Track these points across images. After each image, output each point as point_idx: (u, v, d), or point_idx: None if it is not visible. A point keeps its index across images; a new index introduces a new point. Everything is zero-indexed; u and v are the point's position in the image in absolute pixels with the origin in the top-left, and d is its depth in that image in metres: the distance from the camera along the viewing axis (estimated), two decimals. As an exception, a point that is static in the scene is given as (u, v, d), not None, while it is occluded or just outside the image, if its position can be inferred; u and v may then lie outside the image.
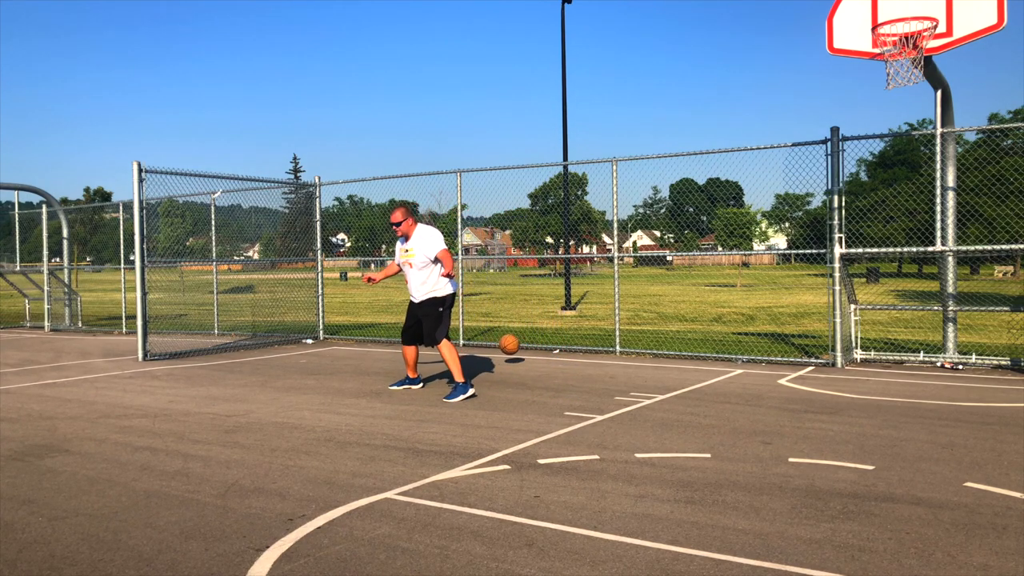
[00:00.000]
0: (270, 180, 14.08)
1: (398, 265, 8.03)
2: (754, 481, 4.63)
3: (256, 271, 23.72)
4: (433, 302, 7.74)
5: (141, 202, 11.07)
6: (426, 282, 7.74)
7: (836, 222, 9.40)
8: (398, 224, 7.80)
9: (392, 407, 7.19)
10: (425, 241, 7.72)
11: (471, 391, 7.58)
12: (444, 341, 7.70)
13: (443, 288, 7.78)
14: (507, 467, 5.03)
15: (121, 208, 17.02)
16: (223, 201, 14.76)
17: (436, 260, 7.68)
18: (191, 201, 15.98)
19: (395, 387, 8.20)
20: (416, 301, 7.84)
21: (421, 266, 7.72)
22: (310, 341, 13.55)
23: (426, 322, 7.73)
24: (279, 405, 7.39)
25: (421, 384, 8.24)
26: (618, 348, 11.21)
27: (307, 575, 3.34)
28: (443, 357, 7.68)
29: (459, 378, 7.59)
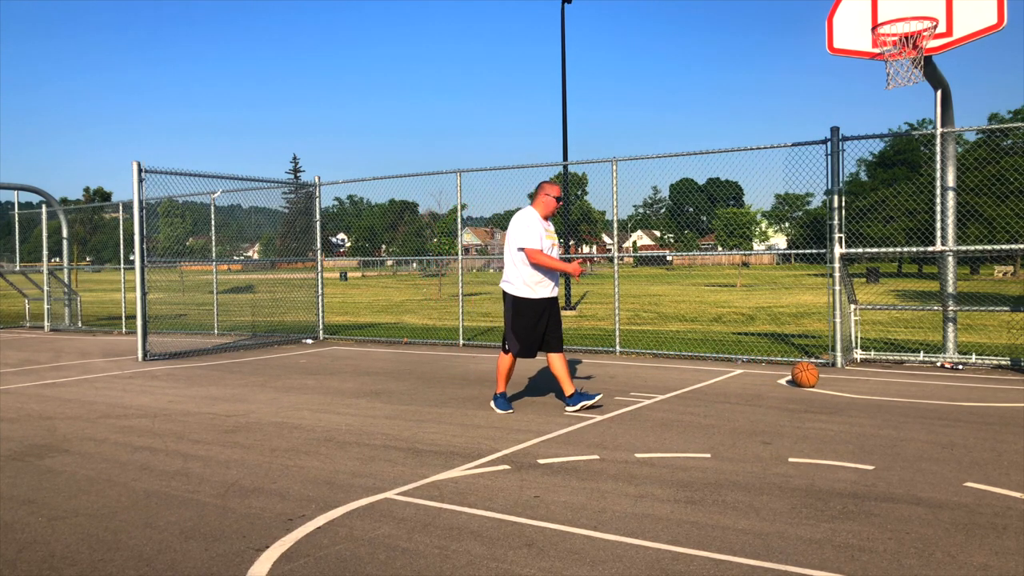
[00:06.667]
0: (270, 180, 14.09)
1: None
2: (754, 481, 4.63)
3: (256, 271, 23.74)
4: (511, 300, 6.75)
5: (141, 202, 11.07)
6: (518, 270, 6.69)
7: (836, 222, 9.40)
8: (560, 199, 6.85)
9: (392, 407, 7.19)
10: (511, 225, 6.72)
11: (511, 409, 6.85)
12: (501, 354, 6.86)
13: (520, 287, 6.68)
14: (507, 467, 5.03)
15: (121, 208, 17.03)
16: (223, 201, 14.77)
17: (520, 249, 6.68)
18: (191, 201, 16.00)
19: (571, 408, 6.80)
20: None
21: (509, 252, 6.78)
22: (310, 341, 13.55)
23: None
24: (279, 405, 7.39)
25: (600, 395, 6.94)
26: (618, 348, 11.21)
27: (307, 575, 3.34)
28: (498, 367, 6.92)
29: (501, 388, 6.87)
